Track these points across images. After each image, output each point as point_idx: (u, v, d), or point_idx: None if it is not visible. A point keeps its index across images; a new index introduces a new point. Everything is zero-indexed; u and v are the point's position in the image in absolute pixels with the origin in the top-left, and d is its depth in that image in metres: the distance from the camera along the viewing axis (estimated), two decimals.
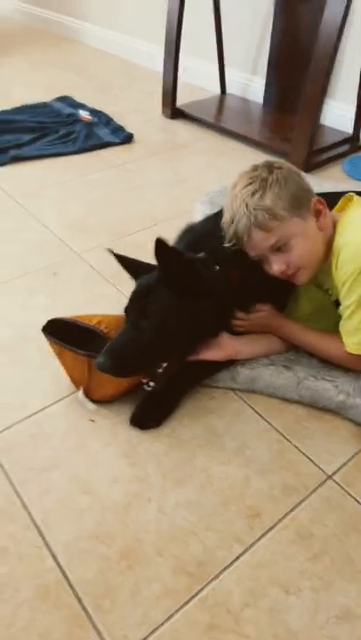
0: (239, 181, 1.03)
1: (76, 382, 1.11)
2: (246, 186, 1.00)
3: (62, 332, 1.08)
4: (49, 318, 1.11)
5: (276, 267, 1.02)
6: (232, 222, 1.02)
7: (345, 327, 1.02)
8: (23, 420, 1.07)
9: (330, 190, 1.36)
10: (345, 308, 1.01)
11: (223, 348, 1.11)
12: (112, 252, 1.11)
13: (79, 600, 0.80)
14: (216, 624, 0.78)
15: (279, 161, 1.05)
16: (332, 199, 1.09)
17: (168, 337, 1.03)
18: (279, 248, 1.01)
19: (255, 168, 1.03)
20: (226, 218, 1.04)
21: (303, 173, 1.90)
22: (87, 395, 1.09)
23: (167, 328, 1.02)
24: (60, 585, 0.82)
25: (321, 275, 1.08)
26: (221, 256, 1.07)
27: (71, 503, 0.93)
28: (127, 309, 1.06)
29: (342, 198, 1.09)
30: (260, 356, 1.15)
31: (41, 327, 1.09)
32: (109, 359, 0.98)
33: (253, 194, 0.98)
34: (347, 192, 1.11)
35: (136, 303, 1.04)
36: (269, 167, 1.01)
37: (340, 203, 1.09)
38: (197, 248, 1.10)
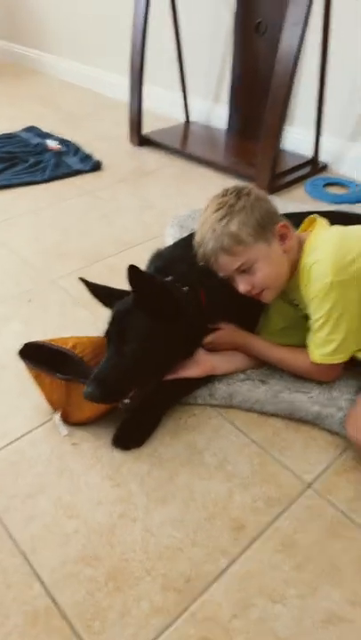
0: (209, 205, 1.08)
1: (55, 405, 1.11)
2: (215, 211, 1.05)
3: (38, 356, 1.10)
4: (23, 361, 1.12)
5: (242, 287, 1.07)
6: (201, 245, 1.07)
7: (313, 340, 1.07)
8: (3, 447, 1.07)
9: (294, 211, 1.43)
10: (314, 322, 1.05)
11: (200, 364, 1.14)
12: (83, 281, 1.13)
13: (69, 623, 0.80)
14: (206, 637, 0.79)
15: (248, 187, 1.09)
16: (296, 219, 1.16)
17: (149, 359, 1.06)
18: (245, 270, 1.06)
19: (225, 193, 1.08)
20: (197, 239, 1.09)
21: (270, 196, 1.99)
22: (65, 418, 1.10)
23: (147, 351, 1.05)
24: (49, 610, 0.82)
25: (290, 291, 1.13)
26: (189, 278, 1.12)
27: (56, 528, 0.93)
28: (107, 335, 1.08)
29: (306, 220, 1.15)
30: (237, 372, 1.18)
31: (17, 354, 1.10)
32: (97, 388, 1.00)
33: (221, 219, 1.03)
34: (310, 212, 1.17)
35: (115, 328, 1.07)
36: (238, 193, 1.06)
37: (303, 224, 1.15)
38: (166, 272, 1.14)
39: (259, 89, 2.26)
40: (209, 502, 0.97)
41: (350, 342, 1.04)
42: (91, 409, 1.08)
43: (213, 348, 1.17)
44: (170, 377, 1.11)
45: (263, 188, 2.01)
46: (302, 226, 1.15)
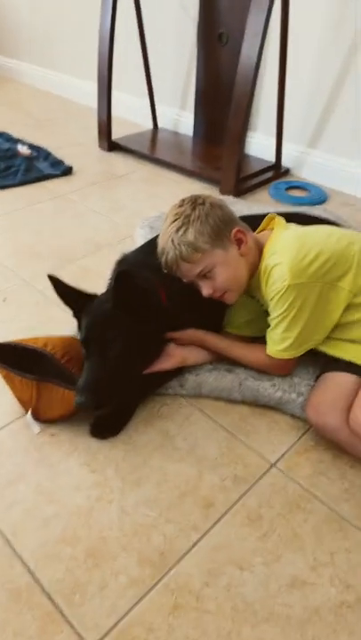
0: (168, 217, 1.14)
1: (25, 404, 1.15)
2: (172, 222, 1.11)
3: (10, 355, 1.13)
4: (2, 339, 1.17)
5: (205, 291, 1.14)
6: (162, 254, 1.13)
7: (270, 336, 1.14)
8: None
9: (258, 212, 1.52)
10: (272, 319, 1.12)
11: (172, 357, 1.20)
12: (52, 278, 1.14)
13: (50, 598, 0.85)
14: (180, 604, 0.85)
15: (202, 196, 1.14)
16: (256, 221, 1.24)
17: (133, 360, 1.11)
18: (205, 275, 1.12)
19: (181, 204, 1.13)
20: (158, 249, 1.15)
21: (232, 198, 2.08)
22: (36, 416, 1.14)
23: (134, 354, 1.09)
24: (31, 587, 0.86)
25: (252, 289, 1.20)
26: (151, 281, 1.16)
27: (37, 512, 0.98)
28: (86, 342, 1.09)
29: (265, 218, 1.23)
30: (205, 362, 1.25)
31: None
32: (89, 397, 1.02)
33: (178, 230, 1.09)
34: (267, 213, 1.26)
35: (94, 334, 1.09)
36: (193, 203, 1.11)
37: (263, 222, 1.23)
38: None
39: (222, 97, 2.36)
40: (181, 483, 1.04)
41: (304, 340, 1.10)
42: (62, 407, 1.12)
43: (180, 343, 1.22)
44: (146, 371, 1.16)
45: (229, 191, 2.12)
46: (262, 224, 1.23)
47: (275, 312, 1.10)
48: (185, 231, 1.09)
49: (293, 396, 1.19)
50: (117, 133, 2.57)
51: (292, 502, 1.01)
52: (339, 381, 1.10)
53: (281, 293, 1.06)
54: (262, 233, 1.21)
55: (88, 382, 1.04)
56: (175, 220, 1.11)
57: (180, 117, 2.71)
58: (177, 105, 2.71)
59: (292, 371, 1.21)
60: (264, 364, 1.19)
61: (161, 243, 1.14)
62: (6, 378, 1.15)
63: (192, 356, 1.22)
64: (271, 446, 1.13)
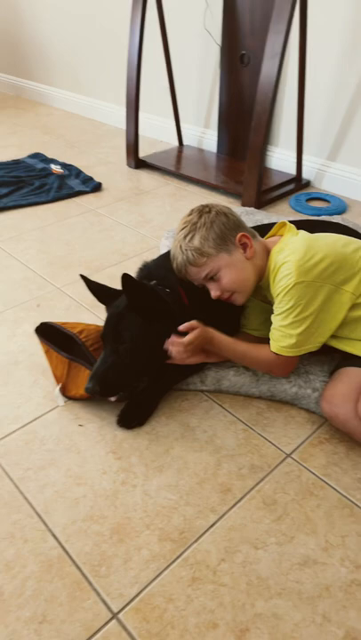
0: (179, 226, 1.23)
1: (57, 379, 1.29)
2: (181, 230, 1.20)
3: (52, 334, 1.30)
4: (37, 339, 1.29)
5: (213, 293, 1.20)
6: (173, 260, 1.22)
7: (274, 333, 1.17)
8: (18, 429, 1.21)
9: (277, 222, 1.59)
10: (276, 316, 1.17)
11: (195, 353, 1.27)
12: (83, 278, 1.27)
13: (79, 569, 0.93)
14: (198, 577, 0.91)
15: (210, 205, 1.22)
16: (269, 229, 1.31)
17: (142, 357, 1.20)
18: (212, 278, 1.19)
19: (190, 213, 1.22)
20: (171, 255, 1.24)
21: (253, 209, 2.15)
22: (64, 391, 1.27)
23: (141, 350, 1.19)
24: (62, 559, 0.94)
25: (263, 290, 1.26)
26: (169, 281, 1.26)
27: (67, 493, 1.06)
28: (104, 336, 1.22)
29: (276, 224, 1.30)
30: (226, 360, 1.32)
31: (28, 350, 1.27)
32: (97, 384, 1.15)
33: (185, 237, 1.18)
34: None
35: (111, 330, 1.21)
36: (200, 212, 1.20)
37: (274, 227, 1.30)
38: (150, 278, 1.29)
39: (244, 114, 2.47)
40: (200, 470, 1.11)
41: (306, 340, 1.14)
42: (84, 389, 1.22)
43: (194, 348, 1.20)
44: (171, 363, 1.23)
45: (250, 204, 2.20)
46: (273, 229, 1.30)
47: (280, 308, 1.14)
48: (192, 237, 1.17)
49: (309, 391, 1.24)
50: (144, 151, 2.70)
51: (306, 489, 1.07)
52: (351, 375, 1.15)
53: (287, 290, 1.11)
54: (271, 239, 1.27)
55: (98, 372, 1.16)
56: (183, 228, 1.20)
57: (204, 135, 2.83)
58: (201, 123, 2.84)
59: (290, 373, 1.26)
60: (266, 363, 1.20)
61: (172, 249, 1.23)
62: (47, 353, 1.31)
63: (215, 353, 1.29)
64: (287, 438, 1.18)
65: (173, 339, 1.17)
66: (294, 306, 1.11)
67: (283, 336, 1.15)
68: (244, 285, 1.21)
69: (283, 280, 1.13)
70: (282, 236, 1.26)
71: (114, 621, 0.86)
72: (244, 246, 1.20)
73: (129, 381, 1.21)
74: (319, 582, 0.91)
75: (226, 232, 1.18)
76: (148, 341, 1.19)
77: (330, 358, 1.30)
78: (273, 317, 1.18)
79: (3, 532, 0.99)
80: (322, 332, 1.16)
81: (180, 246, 1.19)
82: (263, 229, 1.36)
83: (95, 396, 1.17)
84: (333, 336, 1.19)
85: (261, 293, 1.27)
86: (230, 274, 1.18)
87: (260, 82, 2.04)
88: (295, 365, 1.24)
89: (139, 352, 1.19)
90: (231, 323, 1.34)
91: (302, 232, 1.23)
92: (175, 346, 1.17)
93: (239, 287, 1.20)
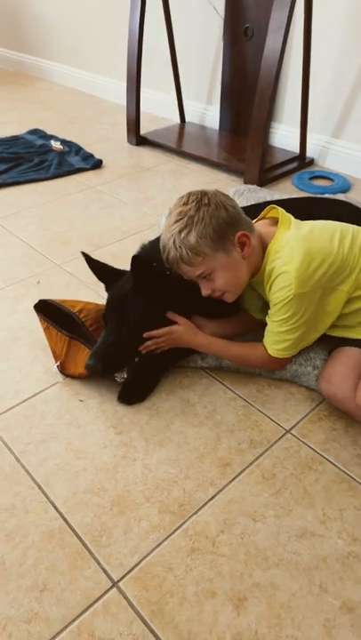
0: (172, 212, 1.10)
1: (56, 356, 1.29)
2: (176, 222, 1.07)
3: (52, 311, 1.29)
4: (36, 319, 1.29)
5: (204, 291, 1.14)
6: (164, 252, 1.11)
7: (270, 336, 1.15)
8: (18, 404, 1.21)
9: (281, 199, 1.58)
10: (271, 321, 1.13)
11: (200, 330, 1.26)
12: (85, 255, 1.26)
13: (80, 539, 0.94)
14: (197, 548, 0.93)
15: (209, 194, 1.09)
16: (258, 210, 1.25)
17: (142, 339, 1.19)
18: (205, 277, 1.11)
19: (187, 201, 1.09)
20: (161, 245, 1.12)
21: (256, 187, 2.12)
22: (62, 369, 1.27)
23: (143, 330, 1.18)
24: (63, 529, 0.96)
25: (254, 284, 1.21)
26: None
27: (67, 466, 1.07)
28: (105, 316, 1.22)
29: (265, 209, 1.22)
30: (229, 336, 1.31)
31: (28, 327, 1.27)
32: (99, 362, 1.15)
33: (181, 231, 1.06)
34: (267, 203, 1.27)
35: (114, 310, 1.20)
36: (198, 203, 1.07)
37: (264, 211, 1.23)
38: (149, 260, 1.22)
39: (248, 90, 2.43)
40: (200, 445, 1.12)
41: (302, 339, 1.14)
42: (84, 366, 1.21)
43: (162, 343, 1.21)
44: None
45: (253, 181, 2.18)
46: (262, 213, 1.23)
47: (276, 316, 1.11)
48: (187, 233, 1.06)
49: (309, 369, 1.24)
50: (145, 128, 2.66)
51: (305, 464, 1.08)
52: (350, 354, 1.15)
53: (286, 301, 1.07)
54: (266, 231, 1.17)
55: (98, 350, 1.16)
56: (179, 219, 1.07)
57: (206, 111, 2.78)
58: (203, 99, 2.78)
59: (287, 364, 1.24)
60: (261, 362, 1.20)
61: (163, 239, 1.11)
62: (46, 330, 1.30)
63: (218, 331, 1.29)
64: (286, 415, 1.19)
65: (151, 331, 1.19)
66: (293, 315, 1.09)
67: (280, 340, 1.13)
68: (237, 285, 1.15)
69: (281, 291, 1.08)
70: (272, 219, 1.20)
71: (114, 590, 0.87)
72: (242, 245, 1.10)
73: (129, 361, 1.21)
74: (316, 554, 0.92)
75: (225, 229, 1.07)
76: (151, 324, 1.19)
77: (329, 337, 1.30)
78: (268, 321, 1.15)
79: (4, 503, 1.00)
80: (317, 329, 1.16)
81: (174, 241, 1.07)
82: (252, 211, 1.32)
83: (95, 373, 1.18)
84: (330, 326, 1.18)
85: (251, 286, 1.22)
86: (225, 275, 1.11)
87: (265, 56, 2.00)
88: (289, 360, 1.22)
89: (139, 335, 1.19)
90: (231, 304, 1.32)
91: (294, 226, 1.15)
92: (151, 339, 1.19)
93: (232, 287, 1.15)
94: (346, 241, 1.12)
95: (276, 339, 1.14)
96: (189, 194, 1.11)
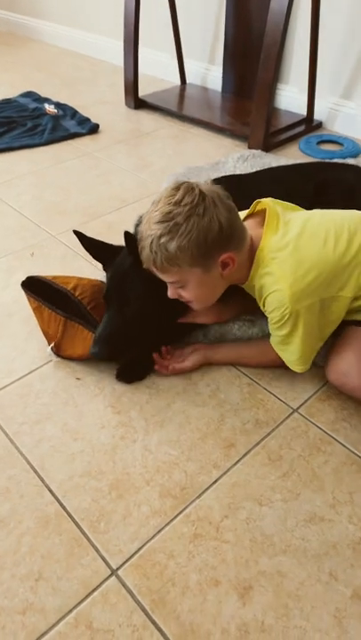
0: (160, 203, 0.96)
1: (49, 338, 1.20)
2: (160, 222, 0.94)
3: (40, 289, 1.19)
4: (24, 292, 1.21)
5: (170, 293, 1.05)
6: (139, 245, 1.00)
7: (279, 349, 1.08)
8: (12, 382, 1.15)
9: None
10: (275, 336, 1.06)
11: (209, 312, 1.18)
12: (77, 233, 1.16)
13: (77, 525, 0.90)
14: (200, 534, 0.88)
15: (207, 200, 0.94)
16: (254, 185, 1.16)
17: (149, 320, 1.12)
18: (175, 284, 1.03)
19: (179, 200, 0.93)
20: (138, 235, 1.01)
21: (261, 152, 2.00)
22: (57, 351, 1.19)
23: (148, 312, 1.11)
24: (59, 514, 0.91)
25: (246, 289, 1.12)
26: None
27: (64, 448, 1.02)
28: (107, 296, 1.14)
29: (253, 204, 1.11)
30: (238, 316, 1.24)
31: (22, 302, 1.19)
32: (104, 348, 1.09)
33: (161, 236, 0.94)
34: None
35: (115, 290, 1.12)
36: (191, 209, 0.93)
37: (251, 207, 1.12)
38: None
39: (252, 48, 2.28)
40: (202, 425, 1.06)
41: (312, 350, 1.07)
42: (83, 348, 1.16)
43: (183, 368, 1.16)
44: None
45: (257, 146, 2.07)
46: (250, 208, 1.12)
47: (277, 333, 1.05)
48: (168, 241, 0.93)
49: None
50: (144, 90, 2.53)
51: (313, 445, 1.02)
52: (358, 336, 1.08)
53: (284, 320, 1.00)
54: (253, 234, 1.05)
55: (103, 335, 1.09)
56: (163, 221, 0.93)
57: (208, 72, 2.64)
58: (205, 59, 2.63)
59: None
60: (278, 361, 1.12)
61: (142, 231, 0.99)
62: (36, 310, 1.21)
63: (227, 312, 1.21)
64: (293, 393, 1.13)
65: (173, 362, 1.16)
66: (293, 331, 1.01)
67: (289, 353, 1.07)
68: (208, 300, 1.08)
69: (277, 311, 1.00)
70: (262, 216, 1.08)
71: (113, 578, 0.83)
72: (225, 265, 1.00)
73: (136, 344, 1.14)
74: (326, 540, 0.88)
75: (211, 248, 0.96)
76: (155, 301, 1.11)
77: None
78: (272, 339, 1.09)
79: None
80: (324, 336, 1.09)
81: (152, 242, 0.95)
82: (247, 184, 1.21)
83: (103, 359, 1.12)
84: None
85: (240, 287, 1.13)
86: (197, 290, 1.02)
87: (271, 10, 1.86)
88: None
89: (146, 314, 1.11)
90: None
91: (285, 230, 1.04)
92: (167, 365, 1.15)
93: (201, 302, 1.08)
94: (341, 241, 1.02)
95: (284, 354, 1.08)
96: (186, 188, 0.95)
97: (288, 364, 1.10)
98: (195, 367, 1.17)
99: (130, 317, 1.10)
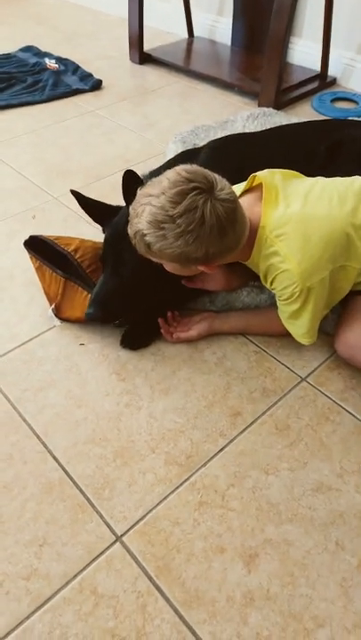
0: (160, 199, 0.88)
1: (50, 299, 1.18)
2: (150, 223, 0.89)
3: (42, 249, 1.17)
4: (27, 251, 1.19)
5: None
6: (129, 222, 0.94)
7: (287, 322, 1.05)
8: (15, 348, 1.13)
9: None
10: (284, 312, 1.03)
11: (217, 280, 1.14)
12: (74, 193, 1.12)
13: (81, 491, 0.89)
14: (205, 502, 0.87)
15: (203, 230, 0.88)
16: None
17: (146, 281, 1.08)
18: None
19: (180, 200, 0.87)
20: (131, 212, 0.94)
21: (272, 110, 1.91)
22: (58, 312, 1.17)
23: (145, 271, 1.06)
24: (63, 481, 0.90)
25: (249, 265, 1.07)
26: None
27: (67, 415, 1.00)
28: (103, 257, 1.11)
29: (248, 179, 1.05)
30: (246, 285, 1.21)
31: (24, 265, 1.17)
32: (99, 310, 1.06)
33: (149, 229, 0.89)
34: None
35: (112, 251, 1.09)
36: (183, 233, 0.87)
37: (246, 183, 1.06)
38: None
39: None
40: (208, 393, 1.04)
41: (319, 318, 1.04)
42: (82, 310, 1.13)
43: (187, 338, 1.13)
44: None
45: (268, 104, 1.97)
46: (246, 184, 1.06)
47: (287, 309, 1.01)
48: (153, 238, 0.89)
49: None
50: (150, 44, 2.40)
51: (321, 414, 1.00)
52: None
53: (295, 297, 0.97)
54: (251, 210, 0.99)
55: (98, 296, 1.07)
56: (156, 215, 0.88)
57: (217, 24, 2.50)
58: (214, 10, 2.49)
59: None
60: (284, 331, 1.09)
61: (132, 210, 0.94)
62: (38, 269, 1.19)
63: (235, 280, 1.17)
64: (302, 362, 1.10)
65: (179, 330, 1.13)
66: (302, 307, 0.98)
67: (298, 326, 1.03)
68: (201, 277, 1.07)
69: (287, 289, 0.97)
70: (259, 191, 1.02)
71: (117, 544, 0.82)
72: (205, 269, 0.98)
73: (132, 306, 1.11)
74: (333, 509, 0.87)
75: (192, 262, 0.93)
76: (152, 265, 1.07)
77: None
78: (280, 313, 1.05)
79: (1, 453, 0.94)
80: (330, 304, 1.06)
81: (138, 230, 0.91)
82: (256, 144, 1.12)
83: (98, 321, 1.09)
84: None
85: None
86: (176, 271, 1.00)
87: None
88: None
89: (142, 274, 1.07)
90: None
91: (287, 203, 0.99)
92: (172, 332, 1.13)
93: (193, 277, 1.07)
94: (347, 203, 0.99)
95: (292, 327, 1.05)
96: (189, 205, 0.86)
97: (296, 337, 1.07)
98: (200, 337, 1.14)
99: (126, 279, 1.07)
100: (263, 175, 1.03)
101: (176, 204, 0.87)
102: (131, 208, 0.95)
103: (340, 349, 1.06)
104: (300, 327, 1.03)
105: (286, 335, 1.09)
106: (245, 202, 1.01)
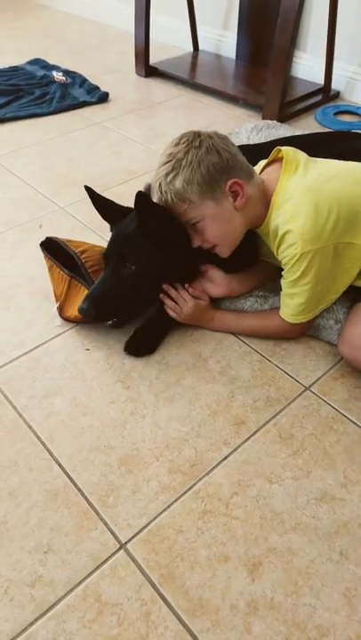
0: (163, 154, 1.03)
1: (57, 297, 1.22)
2: (164, 164, 1.01)
3: (56, 251, 1.23)
4: (39, 263, 1.23)
5: (194, 243, 1.06)
6: (151, 194, 1.04)
7: (284, 300, 1.08)
8: (21, 356, 1.14)
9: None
10: (284, 285, 1.06)
11: (219, 286, 1.17)
12: (87, 189, 1.15)
13: (86, 498, 0.89)
14: (209, 510, 0.88)
15: (202, 135, 1.01)
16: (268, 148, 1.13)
17: (144, 285, 1.10)
18: (194, 224, 1.04)
19: (178, 142, 1.02)
20: (151, 188, 1.06)
21: (276, 123, 1.95)
22: (61, 311, 1.20)
23: (145, 276, 1.09)
24: (68, 488, 0.91)
25: (264, 238, 1.11)
26: None
27: (73, 423, 1.01)
28: (106, 256, 1.12)
29: (273, 151, 1.10)
30: (250, 292, 1.22)
31: (30, 274, 1.21)
32: (93, 307, 1.07)
33: (167, 175, 0.99)
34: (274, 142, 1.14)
35: (115, 251, 1.10)
36: (188, 145, 0.99)
37: (272, 153, 1.10)
38: None
39: (269, 13, 2.19)
40: (212, 402, 1.05)
41: (319, 302, 1.06)
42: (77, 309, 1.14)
43: (179, 319, 1.16)
44: (191, 290, 1.15)
45: (272, 116, 2.00)
46: (271, 155, 1.11)
47: (288, 277, 1.03)
48: (174, 177, 0.99)
49: (331, 322, 1.15)
50: (155, 58, 2.44)
51: (325, 424, 1.01)
52: None
53: (294, 260, 0.99)
54: (269, 177, 1.07)
55: (94, 293, 1.08)
56: (167, 162, 1.00)
57: (222, 38, 2.54)
58: (219, 25, 2.53)
59: (308, 329, 1.16)
60: (279, 330, 1.13)
61: (152, 183, 1.05)
62: (50, 269, 1.25)
63: (239, 287, 1.19)
64: (306, 371, 1.11)
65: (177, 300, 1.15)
66: (303, 275, 1.00)
67: (295, 304, 1.05)
68: (230, 239, 1.06)
69: (288, 250, 0.99)
70: (281, 161, 1.06)
71: (122, 552, 0.83)
72: (235, 194, 1.01)
73: (126, 308, 1.12)
74: (337, 518, 0.87)
75: (215, 175, 0.99)
76: (154, 269, 1.09)
77: (353, 288, 1.19)
78: (282, 283, 1.07)
79: (6, 460, 0.95)
80: (336, 289, 1.07)
81: (160, 185, 1.01)
82: (260, 152, 1.17)
83: (89, 318, 1.11)
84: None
85: (260, 239, 1.12)
86: (215, 226, 1.03)
87: None
88: (311, 324, 1.14)
89: (142, 279, 1.09)
90: (246, 253, 1.20)
91: (305, 172, 1.03)
92: (172, 307, 1.15)
93: (223, 241, 1.06)
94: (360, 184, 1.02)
95: (290, 302, 1.06)
96: (182, 135, 1.03)
97: (290, 318, 1.08)
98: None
99: (124, 279, 1.09)
100: (287, 149, 1.07)
101: (175, 146, 1.01)
102: (151, 189, 1.05)
103: (344, 351, 1.07)
104: (300, 297, 1.04)
105: (283, 339, 1.11)
106: (267, 171, 1.10)
